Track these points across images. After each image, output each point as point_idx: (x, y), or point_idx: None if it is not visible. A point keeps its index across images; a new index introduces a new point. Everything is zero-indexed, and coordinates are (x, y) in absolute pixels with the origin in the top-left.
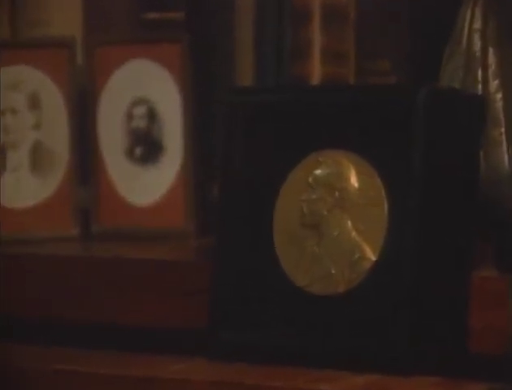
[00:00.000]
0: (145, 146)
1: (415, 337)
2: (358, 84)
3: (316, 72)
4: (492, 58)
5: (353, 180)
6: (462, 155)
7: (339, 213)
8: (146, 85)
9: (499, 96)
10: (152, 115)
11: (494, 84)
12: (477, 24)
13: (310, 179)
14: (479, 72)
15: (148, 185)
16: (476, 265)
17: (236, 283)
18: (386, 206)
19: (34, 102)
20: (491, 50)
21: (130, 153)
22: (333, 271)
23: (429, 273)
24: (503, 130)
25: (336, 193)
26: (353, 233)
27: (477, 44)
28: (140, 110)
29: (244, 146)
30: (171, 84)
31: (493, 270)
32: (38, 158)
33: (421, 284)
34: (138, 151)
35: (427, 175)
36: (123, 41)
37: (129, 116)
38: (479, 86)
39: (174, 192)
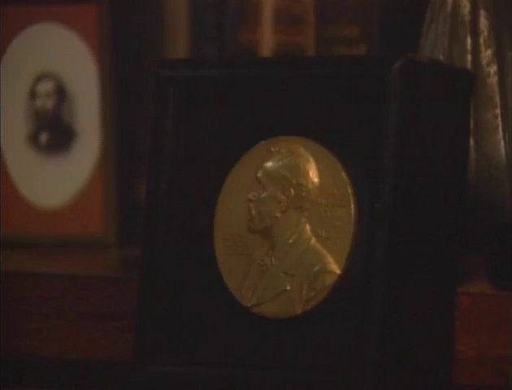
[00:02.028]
0: (53, 131)
1: (387, 369)
2: (319, 55)
3: (267, 41)
4: (483, 24)
5: (313, 175)
6: (447, 142)
7: (295, 215)
8: (53, 56)
9: (492, 69)
10: (61, 93)
11: (486, 54)
12: None
13: (260, 174)
14: (468, 40)
15: (56, 181)
16: (465, 279)
17: (167, 304)
18: (353, 207)
19: None
20: (482, 14)
21: (34, 140)
22: (288, 288)
23: (405, 289)
24: (498, 112)
25: (292, 191)
26: (313, 240)
27: (465, 6)
28: (45, 87)
29: (178, 133)
30: (84, 54)
31: (486, 285)
32: None
33: (395, 303)
34: (44, 137)
35: (404, 166)
36: (24, 1)
37: (32, 94)
38: (469, 57)
39: (89, 190)
